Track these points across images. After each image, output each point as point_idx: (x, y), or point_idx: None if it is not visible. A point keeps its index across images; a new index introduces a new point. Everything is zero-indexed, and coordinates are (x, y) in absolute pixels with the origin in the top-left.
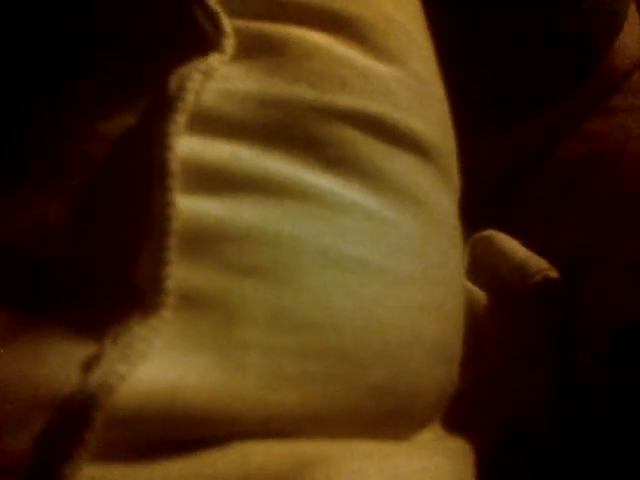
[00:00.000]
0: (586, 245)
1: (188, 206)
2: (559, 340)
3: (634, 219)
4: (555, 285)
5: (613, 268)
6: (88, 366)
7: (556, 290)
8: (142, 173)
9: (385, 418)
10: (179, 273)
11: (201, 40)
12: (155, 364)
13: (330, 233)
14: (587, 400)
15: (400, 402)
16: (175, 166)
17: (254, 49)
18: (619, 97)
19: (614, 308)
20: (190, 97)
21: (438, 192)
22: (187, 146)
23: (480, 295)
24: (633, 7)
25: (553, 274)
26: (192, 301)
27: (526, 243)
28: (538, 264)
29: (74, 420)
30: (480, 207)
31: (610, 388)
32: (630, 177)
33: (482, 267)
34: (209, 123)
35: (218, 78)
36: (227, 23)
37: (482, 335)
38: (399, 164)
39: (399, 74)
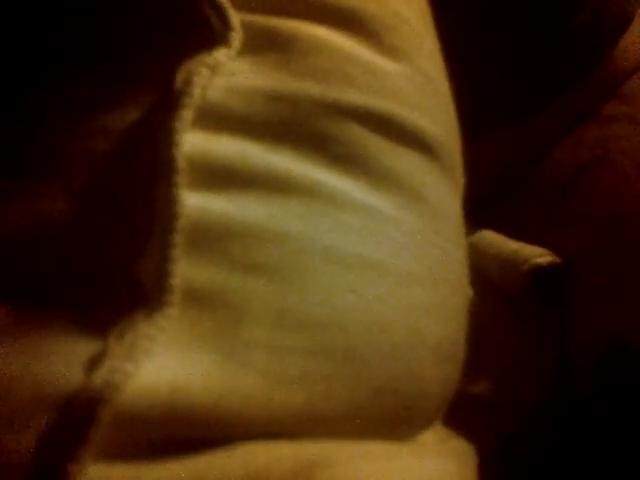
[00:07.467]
0: (573, 255)
1: (194, 203)
2: (557, 338)
3: (621, 236)
4: (548, 270)
5: (595, 284)
6: (93, 364)
7: (550, 276)
8: (148, 169)
9: (389, 418)
10: (184, 270)
11: (208, 34)
12: (160, 362)
13: (335, 231)
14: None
15: (404, 402)
16: (181, 163)
17: (261, 44)
18: (615, 105)
19: (598, 327)
20: (197, 92)
21: (442, 191)
22: (193, 142)
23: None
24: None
25: (545, 259)
26: (197, 299)
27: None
28: (527, 253)
29: (79, 418)
30: (479, 208)
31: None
32: (621, 195)
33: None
34: (215, 119)
35: (225, 73)
36: (235, 17)
37: (483, 335)
38: (404, 162)
39: (406, 71)
